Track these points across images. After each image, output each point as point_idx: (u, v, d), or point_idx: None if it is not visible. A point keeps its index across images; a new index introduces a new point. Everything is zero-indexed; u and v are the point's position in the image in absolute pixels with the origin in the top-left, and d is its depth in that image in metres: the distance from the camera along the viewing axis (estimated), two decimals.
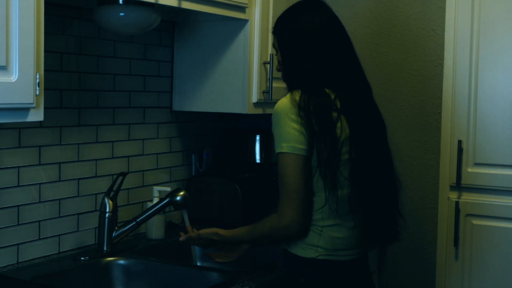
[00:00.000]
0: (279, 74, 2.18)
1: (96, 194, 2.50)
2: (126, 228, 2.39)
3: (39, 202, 2.29)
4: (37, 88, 1.69)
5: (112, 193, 2.38)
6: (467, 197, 2.70)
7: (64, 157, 2.37)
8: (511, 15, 2.59)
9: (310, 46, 1.99)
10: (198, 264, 2.52)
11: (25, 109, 1.70)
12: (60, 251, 2.37)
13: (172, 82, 2.85)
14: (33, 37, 1.67)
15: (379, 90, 3.03)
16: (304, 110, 1.90)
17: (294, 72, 2.02)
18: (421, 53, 2.98)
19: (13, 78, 1.64)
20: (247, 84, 2.64)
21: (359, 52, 2.10)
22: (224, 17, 2.55)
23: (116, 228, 2.38)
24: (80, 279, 2.21)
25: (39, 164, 2.28)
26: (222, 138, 3.15)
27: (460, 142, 2.67)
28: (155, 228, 2.62)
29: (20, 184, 2.22)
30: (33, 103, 1.69)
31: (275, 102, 2.03)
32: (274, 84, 2.65)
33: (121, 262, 2.32)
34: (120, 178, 2.39)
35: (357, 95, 2.02)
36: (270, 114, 1.98)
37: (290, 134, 1.90)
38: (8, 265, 2.18)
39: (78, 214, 2.44)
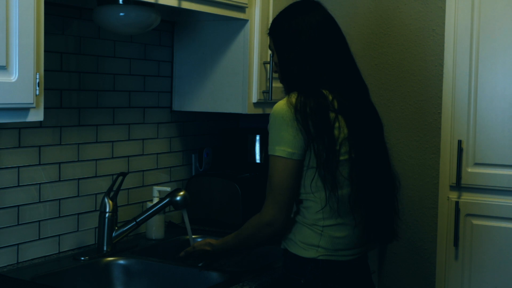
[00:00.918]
0: (274, 73, 2.18)
1: (96, 194, 2.50)
2: (126, 228, 2.39)
3: (39, 202, 2.29)
4: (37, 88, 1.69)
5: (112, 193, 2.38)
6: (467, 197, 2.70)
7: (64, 157, 2.37)
8: (511, 15, 2.59)
9: (306, 47, 1.99)
10: (198, 264, 2.52)
11: (25, 109, 1.70)
12: (60, 251, 2.37)
13: (172, 82, 2.85)
14: (33, 37, 1.67)
15: (379, 90, 3.04)
16: (300, 113, 1.90)
17: (291, 74, 2.02)
18: (421, 53, 2.98)
19: (13, 78, 1.64)
20: (247, 84, 2.64)
21: (359, 52, 2.10)
22: (224, 17, 2.55)
23: (116, 228, 2.38)
24: (80, 279, 2.21)
25: (39, 164, 2.28)
26: (222, 138, 3.15)
27: (460, 142, 2.67)
28: (155, 228, 2.62)
29: (20, 184, 2.22)
30: (33, 103, 1.69)
31: (275, 102, 2.03)
32: (274, 84, 2.65)
33: (121, 262, 2.32)
34: (120, 178, 2.39)
35: (354, 95, 2.02)
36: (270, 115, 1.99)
37: (283, 138, 1.92)
38: (8, 265, 2.18)
39: (78, 214, 2.44)
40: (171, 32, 2.84)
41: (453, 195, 2.71)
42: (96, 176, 2.50)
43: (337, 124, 1.94)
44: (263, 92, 2.67)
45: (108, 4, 2.24)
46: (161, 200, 2.40)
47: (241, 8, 2.57)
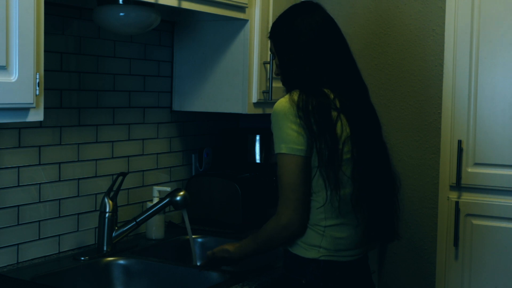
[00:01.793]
0: (276, 76, 2.18)
1: (96, 194, 2.50)
2: (126, 228, 2.39)
3: (39, 202, 2.29)
4: (37, 88, 1.69)
5: (112, 193, 2.38)
6: (467, 197, 2.70)
7: (64, 157, 2.37)
8: (511, 15, 2.59)
9: (306, 48, 1.99)
10: (198, 264, 2.52)
11: (25, 109, 1.70)
12: (60, 251, 2.37)
13: (172, 82, 2.85)
14: (33, 37, 1.67)
15: (379, 90, 3.03)
16: (303, 110, 1.90)
17: (292, 75, 2.02)
18: (421, 53, 2.98)
19: (13, 78, 1.64)
20: (247, 84, 2.64)
21: (359, 52, 2.10)
22: (224, 17, 2.55)
23: (116, 228, 2.38)
24: (80, 279, 2.22)
25: (39, 164, 2.28)
26: (222, 138, 3.15)
27: (460, 142, 2.67)
28: (155, 228, 2.62)
29: (20, 184, 2.22)
30: (33, 103, 1.69)
31: (275, 102, 2.03)
32: (274, 84, 2.65)
33: (121, 262, 2.32)
34: (120, 178, 2.39)
35: (354, 95, 2.03)
36: (270, 114, 1.99)
37: (288, 135, 1.91)
38: (8, 265, 2.18)
39: (78, 214, 2.44)
40: (171, 32, 2.84)
41: (453, 195, 2.71)
42: (96, 176, 2.50)
43: (339, 123, 1.94)
44: (263, 92, 2.67)
45: (108, 4, 2.24)
46: (161, 200, 2.40)
47: (241, 8, 2.57)
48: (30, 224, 2.26)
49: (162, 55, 2.81)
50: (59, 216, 2.36)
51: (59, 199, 2.36)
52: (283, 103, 1.95)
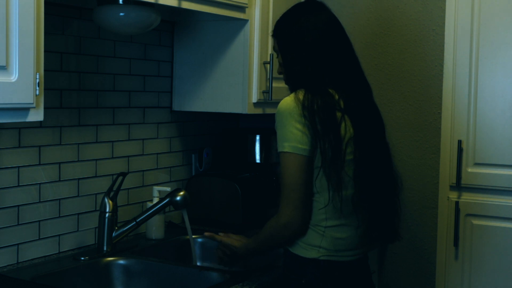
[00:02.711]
0: (279, 74, 2.18)
1: (96, 194, 2.50)
2: (126, 228, 2.39)
3: (39, 202, 2.29)
4: (37, 88, 1.69)
5: (112, 193, 2.38)
6: (467, 197, 2.70)
7: (64, 157, 2.37)
8: (511, 15, 2.59)
9: (310, 47, 1.99)
10: (198, 264, 2.52)
11: (25, 109, 1.70)
12: (60, 251, 2.37)
13: (172, 82, 2.85)
14: (33, 37, 1.67)
15: (379, 90, 3.03)
16: (308, 110, 1.90)
17: (296, 74, 2.02)
18: (421, 53, 2.98)
19: (13, 78, 1.63)
20: (247, 84, 2.64)
21: (359, 52, 2.10)
22: (224, 17, 2.55)
23: (116, 228, 2.38)
24: (80, 279, 2.21)
25: (39, 164, 2.28)
26: (222, 138, 3.15)
27: (460, 142, 2.67)
28: (155, 228, 2.62)
29: (20, 184, 2.22)
30: (33, 103, 1.69)
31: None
32: (274, 84, 2.65)
33: (121, 262, 2.32)
34: (120, 178, 2.39)
35: (358, 95, 2.03)
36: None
37: (292, 134, 1.91)
38: (8, 265, 2.18)
39: (78, 214, 2.44)
40: (171, 32, 2.83)
41: (453, 195, 2.71)
42: (96, 176, 2.50)
43: (343, 124, 1.94)
44: (263, 92, 2.67)
45: (108, 4, 2.24)
46: (161, 200, 2.40)
47: (241, 8, 2.57)
48: (30, 224, 2.26)
49: (162, 55, 2.81)
50: (59, 216, 2.36)
51: (59, 199, 2.36)
52: (288, 102, 1.94)
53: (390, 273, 3.08)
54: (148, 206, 2.50)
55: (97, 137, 2.51)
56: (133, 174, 2.67)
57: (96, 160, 2.50)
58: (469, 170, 2.68)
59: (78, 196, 2.43)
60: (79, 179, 2.43)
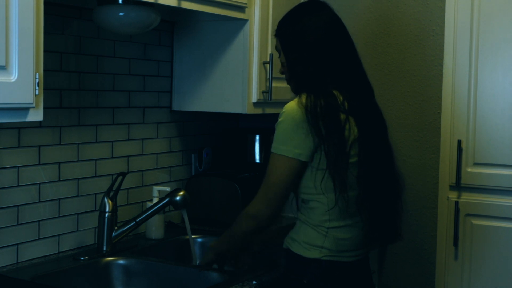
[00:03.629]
0: (279, 74, 2.19)
1: (95, 194, 2.50)
2: (125, 228, 2.39)
3: (39, 202, 2.28)
4: (37, 88, 1.69)
5: (111, 193, 2.38)
6: (466, 197, 2.70)
7: (63, 157, 2.37)
8: (511, 15, 2.59)
9: (312, 47, 1.99)
10: (198, 264, 2.52)
11: (24, 109, 1.70)
12: (60, 251, 2.37)
13: (171, 82, 2.85)
14: (33, 37, 1.67)
15: (379, 90, 3.03)
16: (311, 113, 1.90)
17: (298, 74, 2.02)
18: (421, 53, 2.98)
19: (13, 78, 1.63)
20: (246, 84, 2.63)
21: (359, 52, 2.10)
22: (223, 17, 2.55)
23: (116, 228, 2.38)
24: (80, 279, 2.21)
25: (39, 164, 2.28)
26: (221, 138, 3.15)
27: (459, 142, 2.67)
28: (155, 228, 2.62)
29: (19, 184, 2.22)
30: (32, 103, 1.69)
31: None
32: (274, 84, 2.65)
33: (121, 262, 2.32)
34: (120, 178, 2.39)
35: (361, 95, 2.02)
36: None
37: (292, 139, 1.91)
38: (7, 265, 2.18)
39: (78, 214, 2.44)
40: (171, 32, 2.83)
41: (453, 195, 2.71)
42: (95, 176, 2.50)
43: (347, 126, 1.94)
44: (263, 92, 2.67)
45: (108, 4, 2.24)
46: (160, 200, 2.40)
47: (241, 8, 2.57)
48: (30, 224, 2.26)
49: (162, 55, 2.81)
50: (59, 216, 2.36)
51: (59, 199, 2.36)
52: (292, 106, 1.94)
53: (390, 273, 3.08)
54: (147, 206, 2.50)
55: (97, 137, 2.50)
56: (133, 174, 2.67)
57: (95, 160, 2.50)
58: (469, 170, 2.68)
59: (77, 196, 2.43)
60: (78, 179, 2.43)
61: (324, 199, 1.95)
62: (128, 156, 2.65)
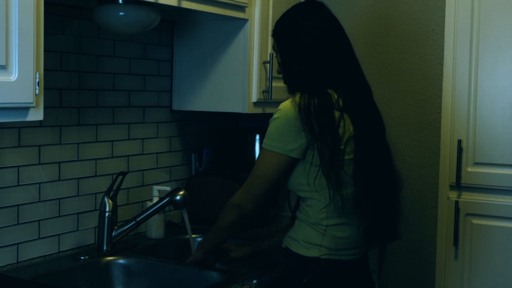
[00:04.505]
0: (278, 74, 2.18)
1: (95, 193, 2.50)
2: (125, 228, 2.39)
3: (39, 201, 2.29)
4: (37, 87, 1.69)
5: (111, 193, 2.38)
6: (466, 196, 2.70)
7: (63, 156, 2.37)
8: (511, 15, 2.59)
9: (308, 48, 1.99)
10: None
11: (24, 109, 1.70)
12: (60, 250, 2.37)
13: (171, 81, 2.85)
14: (33, 36, 1.67)
15: (379, 90, 3.03)
16: (304, 111, 1.91)
17: (294, 74, 2.02)
18: (421, 53, 2.98)
19: (13, 77, 1.63)
20: (246, 83, 2.64)
21: (359, 52, 2.10)
22: (224, 17, 2.55)
23: (116, 227, 2.38)
24: (80, 279, 2.21)
25: (39, 164, 2.28)
26: (221, 138, 3.15)
27: (460, 141, 2.67)
28: (155, 228, 2.62)
29: (19, 184, 2.22)
30: (32, 103, 1.69)
31: (275, 102, 2.04)
32: (274, 84, 2.65)
33: (121, 261, 2.32)
34: (120, 177, 2.39)
35: (358, 94, 2.03)
36: (270, 114, 1.99)
37: (283, 136, 1.93)
38: (7, 265, 2.18)
39: (78, 213, 2.44)
40: (171, 31, 2.83)
41: (453, 195, 2.71)
42: (96, 176, 2.50)
43: (342, 123, 1.94)
44: (263, 92, 2.67)
45: (108, 3, 2.23)
46: (161, 199, 2.40)
47: (241, 8, 2.57)
48: (30, 223, 2.26)
49: (162, 54, 2.81)
50: (59, 216, 2.36)
51: (59, 199, 2.36)
52: (286, 105, 1.96)
53: (390, 273, 3.08)
54: (148, 206, 2.50)
55: (97, 137, 2.51)
56: (133, 173, 2.67)
57: (96, 159, 2.50)
58: (469, 169, 2.68)
59: (78, 195, 2.43)
60: (79, 178, 2.43)
61: (320, 197, 1.95)
62: (128, 156, 2.65)
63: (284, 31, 2.05)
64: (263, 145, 1.98)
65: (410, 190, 3.00)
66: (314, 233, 1.97)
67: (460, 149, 2.67)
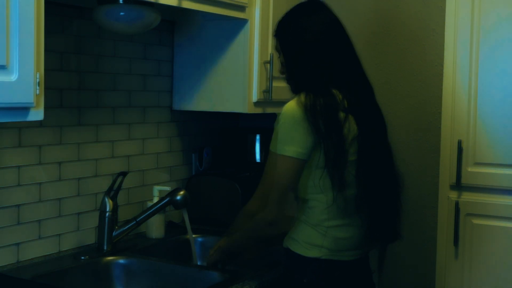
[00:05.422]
0: (279, 74, 2.19)
1: (96, 193, 2.50)
2: (126, 228, 2.39)
3: (39, 201, 2.29)
4: (37, 87, 1.69)
5: (112, 193, 2.38)
6: (467, 196, 2.70)
7: (64, 156, 2.37)
8: (511, 14, 2.59)
9: (312, 48, 1.99)
10: (198, 263, 2.52)
11: (25, 109, 1.70)
12: (60, 250, 2.37)
13: (172, 81, 2.85)
14: (33, 36, 1.67)
15: (379, 90, 3.01)
16: (311, 112, 1.90)
17: (297, 74, 2.02)
18: (421, 53, 2.98)
19: (13, 77, 1.63)
20: (247, 83, 2.64)
21: (359, 52, 2.10)
22: (224, 17, 2.55)
23: (116, 227, 2.38)
24: (80, 279, 2.22)
25: (39, 164, 2.28)
26: (222, 138, 3.15)
27: (460, 141, 2.67)
28: (155, 228, 2.62)
29: (20, 184, 2.22)
30: (33, 103, 1.69)
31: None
32: (274, 84, 2.65)
33: (121, 261, 2.33)
34: (120, 177, 2.39)
35: (361, 95, 2.03)
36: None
37: (294, 138, 1.91)
38: (8, 264, 2.18)
39: (78, 213, 2.44)
40: (171, 31, 2.84)
41: (453, 195, 2.71)
42: (96, 176, 2.50)
43: (346, 124, 1.94)
44: (263, 92, 2.67)
45: (108, 3, 2.24)
46: (161, 199, 2.41)
47: (241, 8, 2.58)
48: (31, 223, 2.26)
49: (162, 54, 2.81)
50: (60, 216, 2.36)
51: (60, 199, 2.36)
52: (292, 105, 1.95)
53: (390, 273, 3.08)
54: (148, 206, 2.50)
55: (97, 137, 2.51)
56: (133, 173, 2.67)
57: (96, 159, 2.50)
58: (469, 169, 2.68)
59: (78, 195, 2.43)
60: (79, 178, 2.44)
61: (323, 198, 1.95)
62: (128, 156, 2.65)
63: (286, 30, 2.05)
64: (276, 151, 1.95)
65: (411, 190, 3.00)
66: (315, 234, 1.97)
67: (460, 149, 2.67)
